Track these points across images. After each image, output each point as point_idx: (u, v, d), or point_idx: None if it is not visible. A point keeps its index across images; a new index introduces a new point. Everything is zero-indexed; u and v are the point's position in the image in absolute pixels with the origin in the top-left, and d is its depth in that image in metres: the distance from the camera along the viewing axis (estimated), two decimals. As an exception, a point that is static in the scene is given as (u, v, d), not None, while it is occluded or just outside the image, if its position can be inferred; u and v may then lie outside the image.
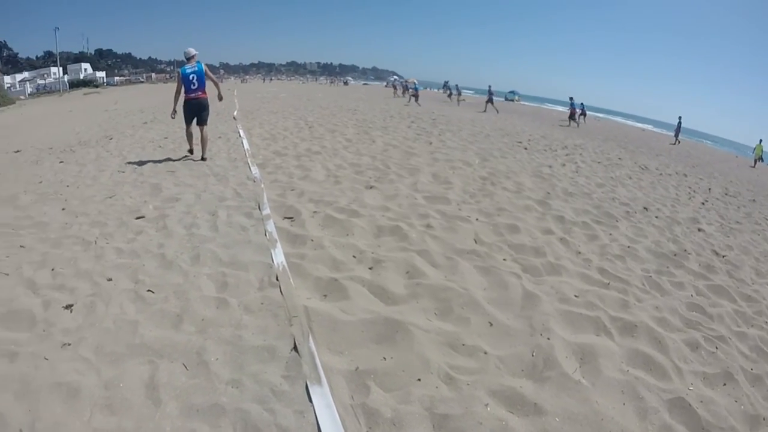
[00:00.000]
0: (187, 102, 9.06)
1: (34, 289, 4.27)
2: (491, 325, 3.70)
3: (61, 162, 10.23)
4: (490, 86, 33.19)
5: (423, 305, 3.94)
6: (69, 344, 3.35)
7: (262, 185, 7.27)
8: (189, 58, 8.98)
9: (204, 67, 9.00)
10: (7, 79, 70.88)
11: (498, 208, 6.66)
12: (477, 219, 6.09)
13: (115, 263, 4.72)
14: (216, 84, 9.49)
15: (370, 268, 4.57)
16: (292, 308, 3.77)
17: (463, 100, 38.47)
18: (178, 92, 9.10)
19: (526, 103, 63.64)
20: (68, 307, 3.94)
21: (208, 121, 9.36)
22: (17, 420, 2.62)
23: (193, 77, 8.90)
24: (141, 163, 9.32)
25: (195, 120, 9.18)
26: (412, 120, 18.31)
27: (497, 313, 3.88)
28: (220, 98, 9.90)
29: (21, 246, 5.35)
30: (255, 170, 8.29)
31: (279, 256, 4.70)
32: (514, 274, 4.55)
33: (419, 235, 5.36)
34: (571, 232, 5.99)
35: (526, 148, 12.90)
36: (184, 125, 9.25)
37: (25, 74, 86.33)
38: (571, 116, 29.41)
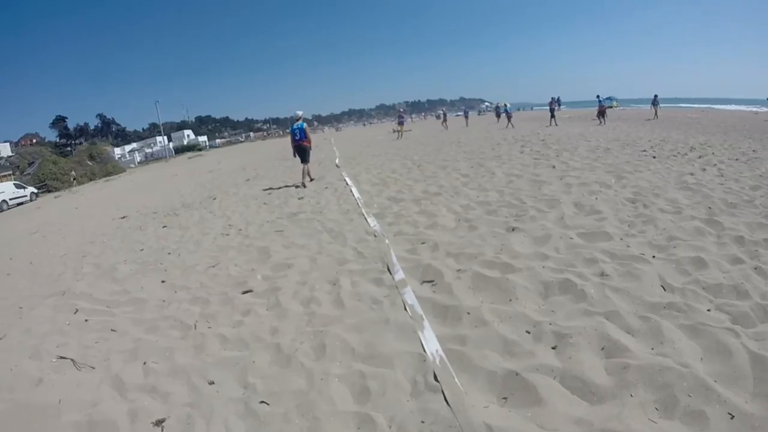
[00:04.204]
0: (294, 147, 13.31)
1: (121, 391, 3.64)
2: (732, 417, 2.66)
3: (164, 227, 10.17)
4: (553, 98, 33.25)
5: (639, 398, 2.83)
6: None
7: (387, 240, 6.29)
8: (297, 119, 13.37)
9: (305, 126, 13.21)
10: (117, 150, 79.05)
11: (668, 237, 5.41)
12: (654, 256, 4.83)
13: (218, 357, 3.89)
14: (309, 141, 13.28)
15: (553, 348, 3.40)
16: (468, 428, 2.67)
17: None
18: (291, 142, 13.39)
19: (624, 108, 62.59)
20: (159, 423, 3.20)
21: (311, 159, 13.65)
22: None
23: (296, 131, 13.15)
24: (246, 223, 8.87)
25: (302, 160, 13.24)
26: (522, 144, 17.11)
27: (731, 396, 2.81)
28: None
29: (113, 330, 4.84)
30: (373, 222, 7.38)
31: (432, 342, 3.57)
32: (729, 330, 3.40)
33: (598, 290, 4.13)
34: (760, 256, 4.75)
35: (654, 157, 11.52)
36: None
37: (134, 145, 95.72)
38: (600, 114, 30.11)
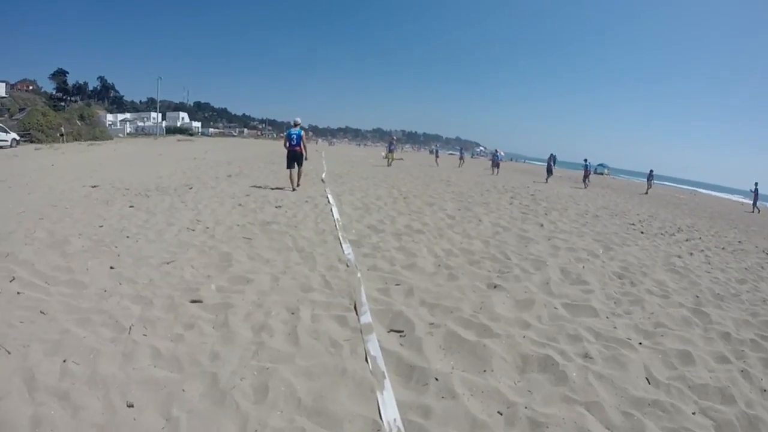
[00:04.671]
0: (288, 152, 13.53)
1: (31, 389, 3.09)
2: None
3: (131, 206, 9.53)
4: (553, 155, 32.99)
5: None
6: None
7: (359, 274, 5.77)
8: (295, 124, 13.75)
9: (302, 133, 13.66)
10: (110, 117, 77.40)
11: (655, 322, 5.13)
12: (640, 343, 4.50)
13: (145, 374, 3.33)
14: (305, 147, 13.67)
15: (527, 437, 2.96)
16: None
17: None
18: (285, 143, 13.69)
19: (614, 177, 64.96)
20: (61, 440, 2.66)
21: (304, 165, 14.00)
22: None
23: (293, 137, 13.44)
24: (215, 222, 8.26)
25: (295, 165, 13.53)
26: (511, 195, 16.90)
27: None
28: (305, 158, 13.76)
29: (42, 312, 4.26)
30: (348, 250, 6.86)
31: (391, 408, 3.07)
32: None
33: (580, 374, 3.73)
34: (746, 357, 4.50)
35: (642, 232, 11.46)
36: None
37: (127, 115, 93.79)
38: (585, 177, 30.21)
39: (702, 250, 9.97)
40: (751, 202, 30.72)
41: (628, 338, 4.55)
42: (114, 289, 4.83)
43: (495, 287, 5.72)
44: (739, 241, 12.41)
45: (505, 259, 7.09)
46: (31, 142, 41.34)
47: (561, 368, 3.77)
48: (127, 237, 6.96)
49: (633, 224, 12.85)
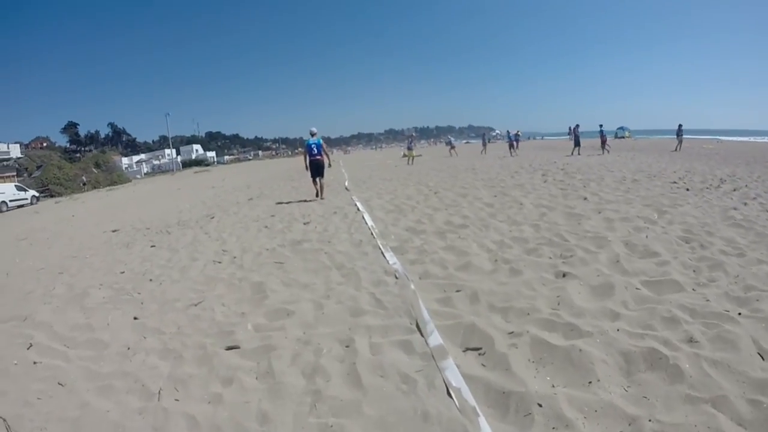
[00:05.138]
0: (311, 162, 13.55)
1: None
2: None
3: (152, 246, 9.12)
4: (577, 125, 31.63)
5: None
6: None
7: (412, 286, 5.05)
8: (313, 134, 13.60)
9: (322, 141, 13.57)
10: (125, 160, 78.58)
11: (744, 286, 4.41)
12: (739, 313, 3.81)
13: None
14: (327, 155, 13.77)
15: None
16: None
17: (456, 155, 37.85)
18: (305, 157, 13.71)
19: (636, 138, 63.39)
20: None
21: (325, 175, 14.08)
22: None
23: (314, 146, 13.44)
24: (242, 250, 7.67)
25: (318, 175, 13.66)
26: (542, 173, 16.09)
27: None
28: (328, 165, 13.92)
29: (60, 384, 3.72)
30: (392, 259, 6.16)
31: (497, 461, 2.35)
32: None
33: (694, 364, 3.06)
34: None
35: (688, 189, 10.72)
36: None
37: (142, 156, 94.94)
38: (603, 143, 29.25)
39: (754, 198, 9.23)
40: None
41: (725, 310, 3.88)
42: (138, 345, 4.24)
43: (564, 276, 4.99)
44: (788, 186, 11.48)
45: (562, 242, 6.34)
46: (51, 196, 41.89)
47: (672, 361, 3.10)
48: (150, 280, 6.45)
49: (675, 182, 12.07)
